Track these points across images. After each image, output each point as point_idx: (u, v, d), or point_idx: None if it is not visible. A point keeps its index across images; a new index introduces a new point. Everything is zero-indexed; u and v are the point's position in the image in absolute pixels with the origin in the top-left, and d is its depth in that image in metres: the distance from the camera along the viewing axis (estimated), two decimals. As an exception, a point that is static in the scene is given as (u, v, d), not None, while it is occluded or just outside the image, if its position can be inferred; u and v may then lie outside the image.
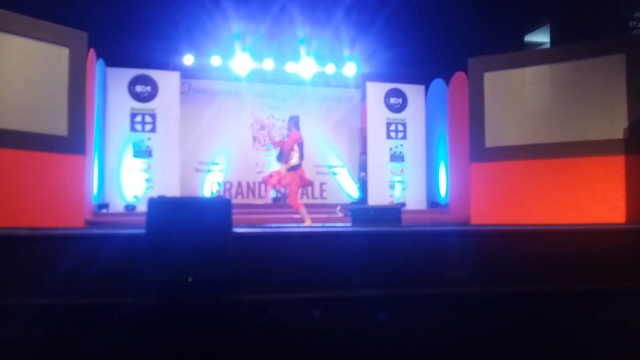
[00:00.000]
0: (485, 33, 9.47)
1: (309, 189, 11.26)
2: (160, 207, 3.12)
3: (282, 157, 7.46)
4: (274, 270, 3.54)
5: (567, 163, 7.27)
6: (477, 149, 7.72)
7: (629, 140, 6.94)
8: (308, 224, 6.96)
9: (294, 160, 7.34)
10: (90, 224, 7.13)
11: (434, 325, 3.83)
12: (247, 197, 10.86)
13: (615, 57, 7.14)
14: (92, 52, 7.58)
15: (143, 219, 3.11)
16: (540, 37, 10.94)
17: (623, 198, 6.89)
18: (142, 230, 3.16)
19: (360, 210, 5.19)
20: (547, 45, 10.35)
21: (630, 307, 4.25)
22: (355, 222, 5.08)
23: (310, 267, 3.62)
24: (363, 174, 10.60)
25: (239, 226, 3.96)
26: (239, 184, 10.89)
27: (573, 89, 7.46)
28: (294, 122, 7.70)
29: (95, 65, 8.05)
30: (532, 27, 10.62)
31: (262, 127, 11.17)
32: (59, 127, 6.48)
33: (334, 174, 11.43)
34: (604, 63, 7.26)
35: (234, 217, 3.30)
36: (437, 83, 10.17)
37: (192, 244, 3.06)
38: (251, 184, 10.95)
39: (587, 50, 7.42)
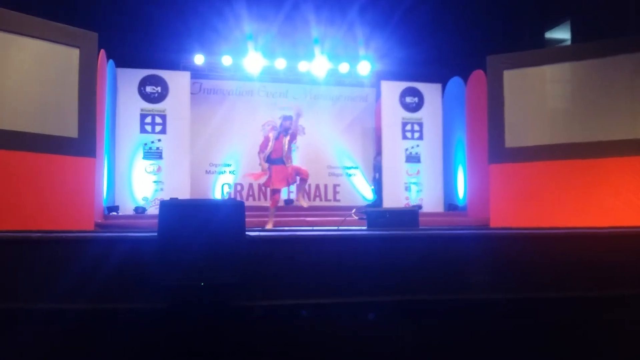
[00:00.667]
0: (504, 30, 9.28)
1: (322, 190, 11.15)
2: (172, 209, 3.03)
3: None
4: (287, 275, 3.45)
5: (589, 164, 7.09)
6: (497, 149, 7.55)
7: (654, 139, 6.75)
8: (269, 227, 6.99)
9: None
10: (100, 226, 7.07)
11: (451, 332, 3.72)
12: (259, 199, 10.74)
13: (638, 55, 6.94)
14: (102, 53, 7.52)
15: (153, 221, 3.02)
16: (561, 34, 10.71)
17: (648, 200, 6.69)
18: (153, 233, 3.09)
19: (376, 213, 5.03)
20: (568, 43, 10.14)
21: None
22: (370, 225, 4.93)
23: (325, 272, 3.53)
24: (377, 175, 10.43)
25: (251, 229, 3.85)
26: (250, 186, 10.78)
27: (595, 88, 7.28)
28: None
29: (105, 66, 8.00)
30: (553, 24, 10.41)
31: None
32: (69, 128, 6.45)
33: (348, 175, 11.27)
34: (626, 61, 7.07)
35: (247, 219, 3.20)
36: (455, 81, 9.98)
37: (204, 247, 2.97)
38: (262, 186, 10.82)
39: (610, 47, 7.24)
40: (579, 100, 7.42)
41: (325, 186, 11.13)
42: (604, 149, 7.03)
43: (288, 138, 7.48)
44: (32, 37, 6.16)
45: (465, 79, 9.39)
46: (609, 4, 8.53)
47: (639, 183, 6.77)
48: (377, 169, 10.46)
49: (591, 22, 8.86)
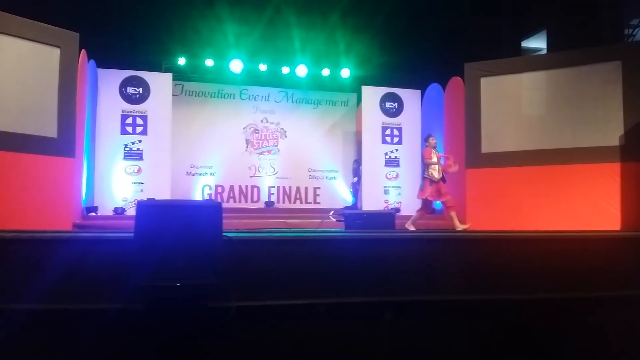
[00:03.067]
0: (482, 38, 9.45)
1: (303, 192, 11.20)
2: (150, 210, 3.05)
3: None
4: (264, 276, 3.48)
5: (563, 170, 7.23)
6: (473, 154, 7.68)
7: (624, 147, 6.92)
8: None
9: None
10: (78, 227, 7.02)
11: (426, 332, 3.78)
12: (239, 201, 10.75)
13: (612, 64, 7.12)
14: (83, 53, 7.48)
15: (132, 222, 3.03)
16: (537, 43, 10.94)
17: (618, 205, 6.86)
18: (130, 234, 3.10)
19: (353, 215, 5.11)
20: (544, 51, 10.35)
21: (623, 313, 4.20)
22: (348, 227, 5.00)
23: (302, 273, 3.56)
24: (355, 178, 10.53)
25: (230, 231, 3.88)
26: (231, 188, 10.79)
27: (569, 96, 7.43)
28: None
29: (86, 66, 7.95)
30: (529, 33, 10.63)
31: (256, 131, 11.09)
32: (49, 128, 6.39)
33: (329, 178, 11.34)
34: (600, 70, 7.24)
35: (225, 221, 3.23)
36: (434, 88, 10.12)
37: (181, 248, 2.99)
38: (243, 188, 10.85)
39: (584, 56, 7.41)
40: (553, 108, 7.57)
41: (306, 189, 11.20)
42: (576, 155, 7.18)
43: None
44: (13, 36, 6.09)
45: (443, 85, 9.53)
46: (583, 16, 8.74)
47: (610, 189, 6.93)
48: (356, 173, 10.57)
49: (566, 32, 9.06)
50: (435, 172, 7.21)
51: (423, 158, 7.42)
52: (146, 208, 2.99)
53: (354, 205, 10.30)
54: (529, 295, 3.92)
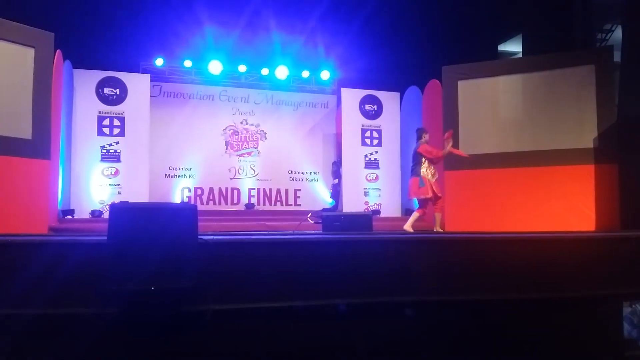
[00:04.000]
0: (459, 41, 9.55)
1: (283, 194, 11.18)
2: (123, 213, 3.02)
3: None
4: (240, 279, 3.47)
5: (539, 171, 7.36)
6: (451, 156, 7.74)
7: (598, 149, 7.06)
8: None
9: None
10: (54, 230, 6.91)
11: (401, 332, 3.81)
12: (219, 203, 10.69)
13: (585, 68, 7.28)
14: (58, 53, 7.38)
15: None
16: (513, 47, 11.11)
17: (593, 206, 7.00)
18: (103, 237, 3.07)
19: (331, 217, 5.12)
20: (520, 55, 10.51)
21: (595, 313, 4.29)
22: (326, 229, 5.02)
23: (279, 275, 3.56)
24: (336, 180, 10.56)
25: (208, 234, 3.86)
26: (211, 190, 10.72)
27: (544, 99, 7.57)
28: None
29: (62, 67, 7.84)
30: (506, 37, 10.78)
31: (235, 132, 11.05)
32: (23, 130, 6.31)
33: (309, 180, 11.35)
34: (574, 74, 7.39)
35: (205, 224, 3.21)
36: (412, 90, 10.21)
37: (155, 251, 2.96)
38: (223, 190, 10.79)
39: (558, 60, 7.56)
40: (529, 110, 7.70)
41: (287, 190, 11.18)
42: (552, 157, 7.31)
43: None
44: (-15, 35, 6.01)
45: (422, 88, 9.62)
46: (558, 20, 8.90)
47: (585, 190, 7.07)
48: (336, 174, 10.60)
49: (541, 36, 9.21)
50: (432, 169, 6.93)
51: (425, 154, 6.91)
52: (120, 211, 2.97)
53: (335, 207, 10.33)
54: (504, 295, 3.97)
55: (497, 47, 10.73)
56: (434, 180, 6.89)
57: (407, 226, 6.87)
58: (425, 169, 6.87)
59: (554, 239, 4.51)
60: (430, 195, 6.79)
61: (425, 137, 7.12)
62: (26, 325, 3.11)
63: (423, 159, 6.91)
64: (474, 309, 3.98)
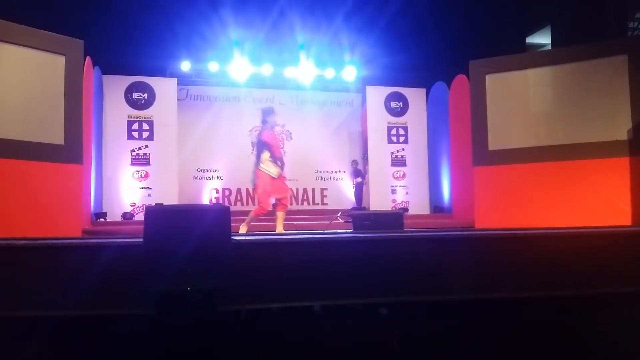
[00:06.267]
0: (486, 35, 9.42)
1: (310, 194, 11.18)
2: (158, 215, 3.04)
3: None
4: (273, 279, 3.47)
5: (571, 165, 7.19)
6: (480, 152, 7.65)
7: (633, 141, 6.87)
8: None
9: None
10: (87, 233, 7.05)
11: (437, 333, 3.76)
12: (247, 204, 10.76)
13: (618, 58, 7.08)
14: (88, 60, 7.53)
15: (141, 227, 3.03)
16: (542, 39, 10.90)
17: (628, 200, 6.81)
18: (140, 239, 3.10)
19: (361, 216, 5.09)
20: (549, 47, 10.31)
21: (634, 309, 4.17)
22: (356, 228, 4.98)
23: (310, 275, 3.55)
24: (359, 179, 10.53)
25: (240, 234, 3.88)
26: (238, 191, 10.81)
27: (575, 91, 7.39)
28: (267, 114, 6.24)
29: (91, 73, 7.99)
30: (534, 29, 10.58)
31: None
32: (56, 135, 6.41)
33: (335, 179, 11.34)
34: (606, 64, 7.20)
35: (233, 224, 3.22)
36: (439, 86, 10.11)
37: (190, 252, 2.98)
38: (250, 191, 10.85)
39: (589, 51, 7.36)
40: (560, 103, 7.53)
41: (313, 190, 11.20)
42: (584, 150, 7.13)
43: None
44: (18, 44, 6.11)
45: (448, 83, 9.52)
46: (588, 10, 8.70)
47: (619, 184, 6.88)
48: (357, 174, 10.56)
49: (570, 27, 9.02)
50: (276, 163, 6.03)
51: (266, 143, 5.93)
52: (155, 213, 2.99)
53: (356, 206, 10.31)
54: (540, 293, 3.89)
55: (525, 40, 10.55)
56: (276, 177, 6.07)
57: (243, 225, 6.15)
58: (267, 162, 6.00)
59: (589, 234, 4.40)
60: (259, 192, 5.98)
61: (272, 119, 6.12)
62: (62, 326, 3.16)
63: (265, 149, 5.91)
64: (510, 307, 3.92)
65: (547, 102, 7.72)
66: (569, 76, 7.48)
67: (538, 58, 8.12)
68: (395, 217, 4.98)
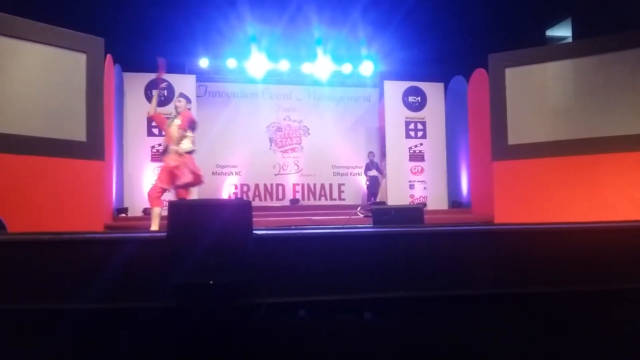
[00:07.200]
0: (505, 28, 9.30)
1: (328, 189, 11.19)
2: (182, 209, 3.09)
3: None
4: (294, 273, 3.49)
5: (592, 159, 7.10)
6: (500, 146, 7.59)
7: (656, 134, 6.77)
8: (154, 229, 5.35)
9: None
10: (109, 228, 7.15)
11: (457, 327, 3.75)
12: (265, 199, 10.83)
13: (639, 50, 6.96)
14: (109, 58, 7.62)
15: (161, 223, 3.07)
16: (562, 32, 10.73)
17: (651, 194, 6.71)
18: (162, 233, 3.14)
19: (381, 211, 5.08)
20: (569, 40, 10.16)
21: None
22: (376, 222, 4.98)
23: (331, 269, 3.56)
24: (373, 171, 10.49)
25: (258, 228, 3.91)
26: (257, 186, 10.87)
27: (596, 84, 7.29)
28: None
29: (112, 71, 8.10)
30: (554, 22, 10.43)
31: (279, 129, 11.15)
32: (78, 132, 6.51)
33: (353, 174, 11.34)
34: (627, 56, 7.09)
35: (253, 219, 3.25)
36: (457, 80, 10.04)
37: (213, 246, 3.01)
38: (268, 186, 10.93)
39: (610, 43, 7.25)
40: (581, 97, 7.44)
41: (330, 185, 11.22)
42: (606, 144, 7.04)
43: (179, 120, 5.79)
44: (40, 43, 6.21)
45: (467, 77, 9.44)
46: (609, 1, 8.55)
47: (640, 177, 6.79)
48: (372, 167, 10.52)
49: (591, 19, 8.88)
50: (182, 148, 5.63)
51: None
52: (178, 208, 3.04)
53: (368, 200, 10.29)
54: (560, 288, 3.86)
55: (545, 33, 10.41)
56: (174, 164, 5.59)
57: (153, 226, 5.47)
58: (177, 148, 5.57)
59: (611, 229, 4.35)
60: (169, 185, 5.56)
61: (181, 102, 5.77)
62: (86, 318, 3.21)
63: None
64: (531, 302, 3.89)
65: (567, 96, 7.63)
66: (590, 69, 7.38)
67: (558, 51, 8.02)
68: (416, 212, 4.97)
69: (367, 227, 4.79)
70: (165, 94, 9.33)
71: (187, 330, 3.34)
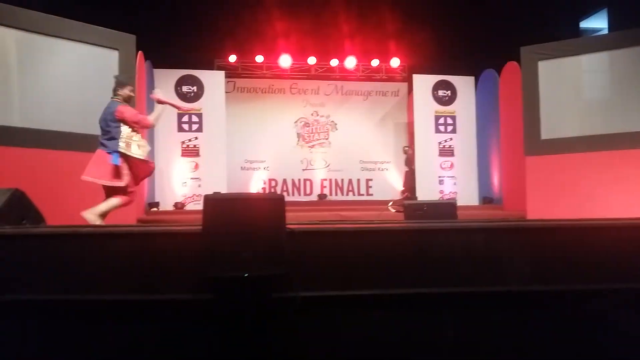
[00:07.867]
0: (538, 20, 9.11)
1: (355, 184, 11.17)
2: (217, 204, 3.11)
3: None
4: (327, 267, 3.49)
5: (628, 155, 6.93)
6: (532, 141, 7.45)
7: (696, 127, 6.57)
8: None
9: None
10: (142, 222, 7.26)
11: (492, 323, 3.71)
12: (293, 194, 10.86)
13: (677, 42, 6.77)
14: (140, 54, 7.72)
15: (192, 216, 3.11)
16: (597, 23, 10.47)
17: (692, 189, 6.52)
18: (197, 226, 3.18)
19: (413, 206, 5.04)
20: (605, 31, 9.90)
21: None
22: (408, 217, 4.95)
23: (363, 264, 3.55)
24: (406, 169, 10.42)
25: (293, 223, 3.92)
26: (284, 181, 10.92)
27: (632, 76, 7.10)
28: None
29: (144, 67, 8.21)
30: (588, 13, 10.18)
31: (307, 124, 11.16)
32: (111, 128, 6.59)
33: (381, 169, 11.29)
34: (665, 48, 6.89)
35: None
36: (488, 73, 9.87)
37: (247, 240, 3.04)
38: (296, 181, 10.96)
39: (647, 35, 7.05)
40: (617, 90, 7.26)
41: (358, 180, 11.19)
42: (643, 139, 6.87)
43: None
44: (74, 40, 6.36)
45: (498, 70, 9.28)
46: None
47: (680, 173, 6.60)
48: (406, 161, 10.44)
49: (628, 10, 8.63)
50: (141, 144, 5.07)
51: (128, 119, 4.95)
52: (214, 202, 3.06)
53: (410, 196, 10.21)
54: (598, 285, 3.78)
55: (579, 24, 10.17)
56: (137, 159, 5.01)
57: (92, 219, 4.96)
58: (128, 142, 4.97)
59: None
60: (126, 182, 5.00)
61: (125, 91, 5.06)
62: (124, 309, 3.26)
63: (123, 126, 4.95)
64: (570, 298, 3.82)
65: (603, 89, 7.46)
66: (626, 61, 7.20)
67: (593, 43, 7.82)
68: (449, 207, 4.91)
69: (400, 223, 4.76)
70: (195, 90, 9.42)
71: (223, 322, 3.37)
